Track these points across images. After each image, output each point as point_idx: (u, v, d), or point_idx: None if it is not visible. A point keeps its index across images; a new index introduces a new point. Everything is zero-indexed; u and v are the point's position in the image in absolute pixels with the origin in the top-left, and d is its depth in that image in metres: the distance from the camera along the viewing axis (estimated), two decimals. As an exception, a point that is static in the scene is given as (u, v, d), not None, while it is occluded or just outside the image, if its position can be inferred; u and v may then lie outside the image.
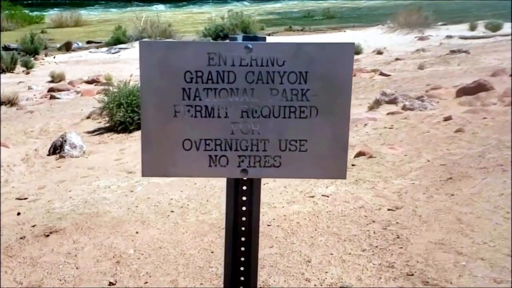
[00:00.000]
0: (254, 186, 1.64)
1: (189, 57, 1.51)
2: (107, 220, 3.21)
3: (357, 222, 2.96)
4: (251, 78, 1.53)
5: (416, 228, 2.83)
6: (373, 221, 2.96)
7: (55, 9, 34.79)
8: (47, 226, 3.17)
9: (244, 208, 1.63)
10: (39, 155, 5.21)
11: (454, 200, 3.14)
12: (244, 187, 1.63)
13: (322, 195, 3.39)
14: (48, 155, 5.14)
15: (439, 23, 17.73)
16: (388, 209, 3.11)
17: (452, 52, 10.94)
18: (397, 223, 2.91)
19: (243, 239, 1.63)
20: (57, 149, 5.08)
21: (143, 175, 1.58)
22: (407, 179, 3.60)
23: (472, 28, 16.11)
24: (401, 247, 2.63)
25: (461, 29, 16.31)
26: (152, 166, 1.58)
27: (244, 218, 1.62)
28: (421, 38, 15.39)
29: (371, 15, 25.08)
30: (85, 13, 35.80)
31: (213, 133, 1.56)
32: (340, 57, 1.52)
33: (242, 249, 1.63)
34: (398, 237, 2.73)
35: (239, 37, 1.57)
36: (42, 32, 23.33)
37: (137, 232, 3.01)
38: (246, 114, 1.55)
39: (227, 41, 1.59)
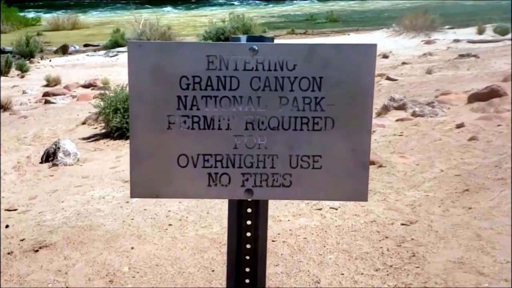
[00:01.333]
0: (260, 209, 1.43)
1: (185, 60, 1.31)
2: (101, 234, 3.04)
3: (368, 238, 2.80)
4: (256, 85, 1.34)
5: (433, 245, 2.66)
6: (386, 237, 2.80)
7: (61, 11, 34.62)
8: (37, 240, 3.00)
9: (248, 234, 1.42)
10: (31, 162, 5.00)
11: (472, 214, 2.98)
12: (249, 210, 1.43)
13: (330, 208, 3.22)
14: (40, 162, 4.93)
15: (446, 27, 17.47)
16: (402, 224, 2.95)
17: (461, 56, 10.69)
18: (412, 239, 2.75)
19: (247, 269, 1.42)
20: (50, 157, 4.87)
21: (131, 196, 1.38)
22: (420, 191, 3.42)
23: (480, 31, 15.84)
24: (418, 267, 2.46)
25: (469, 32, 16.05)
26: (143, 186, 1.38)
27: (248, 246, 1.41)
28: (427, 42, 15.13)
29: (376, 18, 24.81)
30: (95, 14, 35.79)
31: (213, 148, 1.37)
32: (360, 60, 1.33)
33: (247, 281, 1.42)
34: (413, 255, 2.58)
35: (243, 38, 1.37)
36: (38, 34, 22.98)
37: (132, 248, 2.85)
38: (251, 126, 1.36)
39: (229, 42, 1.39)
